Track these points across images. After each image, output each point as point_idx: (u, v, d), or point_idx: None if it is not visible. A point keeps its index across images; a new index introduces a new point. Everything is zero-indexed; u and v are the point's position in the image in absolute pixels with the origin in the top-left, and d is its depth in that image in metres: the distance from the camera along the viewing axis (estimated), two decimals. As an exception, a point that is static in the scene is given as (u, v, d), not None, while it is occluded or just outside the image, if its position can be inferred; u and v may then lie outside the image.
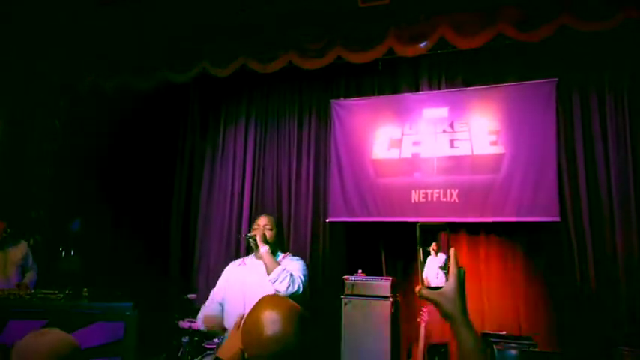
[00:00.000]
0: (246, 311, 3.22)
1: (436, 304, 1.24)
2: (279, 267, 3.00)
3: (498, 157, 5.67)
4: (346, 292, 5.61)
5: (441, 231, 1.35)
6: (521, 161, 5.59)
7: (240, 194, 6.78)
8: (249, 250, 3.46)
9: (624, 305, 5.10)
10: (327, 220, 6.24)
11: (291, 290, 2.94)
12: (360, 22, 5.36)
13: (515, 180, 5.57)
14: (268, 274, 3.00)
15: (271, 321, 1.26)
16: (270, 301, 1.34)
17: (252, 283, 3.06)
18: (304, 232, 6.44)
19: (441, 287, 1.25)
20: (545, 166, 5.48)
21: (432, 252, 1.33)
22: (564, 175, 5.53)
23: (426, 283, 1.29)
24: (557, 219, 5.36)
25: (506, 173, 5.62)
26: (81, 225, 6.37)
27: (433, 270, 1.32)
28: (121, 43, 6.09)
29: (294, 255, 3.35)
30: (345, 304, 5.56)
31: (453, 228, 5.79)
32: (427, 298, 1.26)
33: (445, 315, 1.23)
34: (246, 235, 3.29)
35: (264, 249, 3.07)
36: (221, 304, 3.22)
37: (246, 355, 1.28)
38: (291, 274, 2.98)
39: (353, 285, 5.62)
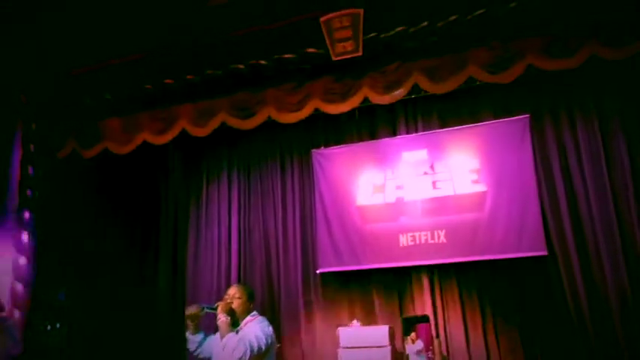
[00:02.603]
0: None
1: None
2: (230, 335, 3.07)
3: (481, 195, 5.75)
4: (342, 345, 5.52)
5: (423, 322, 1.48)
6: (504, 197, 5.67)
7: (228, 249, 6.71)
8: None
9: (621, 333, 5.12)
10: (318, 271, 6.19)
11: (237, 356, 2.95)
12: (335, 75, 5.45)
13: (500, 216, 5.64)
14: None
15: None
16: None
17: (218, 353, 3.21)
18: (295, 283, 6.38)
19: None
20: (527, 200, 5.58)
21: (410, 340, 1.50)
22: (547, 207, 5.61)
23: None
24: (545, 253, 5.41)
25: (490, 210, 5.69)
26: (66, 296, 6.20)
27: (413, 355, 1.48)
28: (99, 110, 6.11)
29: (263, 317, 3.38)
30: (343, 356, 5.47)
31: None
32: None
33: None
34: (202, 306, 3.36)
35: (221, 320, 3.16)
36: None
37: None
38: (239, 340, 3.01)
39: (349, 336, 5.53)
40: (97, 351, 5.86)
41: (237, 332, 3.13)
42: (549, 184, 5.69)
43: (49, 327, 6.05)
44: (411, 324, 1.32)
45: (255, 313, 3.33)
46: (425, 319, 1.32)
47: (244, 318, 3.28)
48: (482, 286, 5.75)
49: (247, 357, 2.95)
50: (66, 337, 6.02)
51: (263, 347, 3.06)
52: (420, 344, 1.25)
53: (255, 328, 3.17)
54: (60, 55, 5.79)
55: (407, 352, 1.26)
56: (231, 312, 3.20)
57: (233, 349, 2.96)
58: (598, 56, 4.86)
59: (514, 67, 5.03)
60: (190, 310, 3.35)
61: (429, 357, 1.29)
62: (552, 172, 5.70)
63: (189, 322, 3.36)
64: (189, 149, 7.10)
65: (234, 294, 3.32)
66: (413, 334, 1.31)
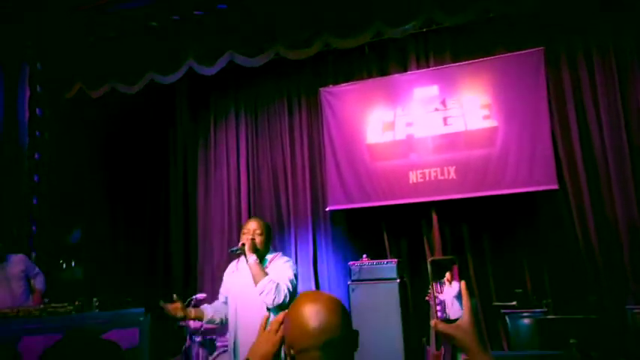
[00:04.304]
0: (240, 317, 3.03)
1: (453, 337, 1.27)
2: (266, 278, 2.93)
3: (492, 131, 5.69)
4: (353, 278, 5.63)
5: (452, 264, 1.46)
6: (515, 132, 5.61)
7: (237, 190, 6.76)
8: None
9: (629, 263, 5.17)
10: (327, 209, 6.23)
11: (277, 301, 2.88)
12: (346, 7, 5.31)
13: (511, 151, 5.59)
14: (255, 285, 2.96)
15: (315, 312, 1.27)
16: (309, 295, 1.37)
17: (243, 290, 3.07)
18: (305, 222, 6.44)
19: (456, 319, 1.29)
20: (539, 134, 5.50)
21: (447, 282, 1.46)
22: (559, 141, 5.56)
23: (439, 314, 1.33)
24: (556, 187, 5.39)
25: (501, 146, 5.64)
26: (80, 235, 6.31)
27: (449, 299, 1.44)
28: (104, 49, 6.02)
29: (283, 255, 3.24)
30: (353, 289, 5.59)
31: (452, 208, 5.82)
32: (444, 333, 1.29)
33: (462, 347, 1.26)
34: (231, 250, 3.20)
35: (252, 259, 2.99)
36: (225, 303, 3.27)
37: (292, 351, 1.28)
38: (277, 285, 2.92)
39: (359, 270, 5.63)
40: (113, 285, 5.99)
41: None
42: (562, 117, 5.61)
43: (64, 265, 6.20)
44: (441, 267, 1.30)
45: (273, 250, 3.22)
46: (452, 260, 1.30)
47: (265, 254, 3.14)
48: (492, 221, 5.77)
49: (287, 300, 2.91)
50: (82, 273, 6.17)
51: (296, 287, 3.04)
52: (456, 286, 1.22)
53: (285, 268, 3.06)
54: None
55: (443, 296, 1.25)
56: (256, 249, 3.04)
57: (273, 296, 2.87)
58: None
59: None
60: (172, 308, 3.04)
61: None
62: (565, 105, 5.61)
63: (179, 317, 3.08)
64: (197, 92, 7.05)
65: (255, 229, 3.12)
66: (448, 275, 1.29)
